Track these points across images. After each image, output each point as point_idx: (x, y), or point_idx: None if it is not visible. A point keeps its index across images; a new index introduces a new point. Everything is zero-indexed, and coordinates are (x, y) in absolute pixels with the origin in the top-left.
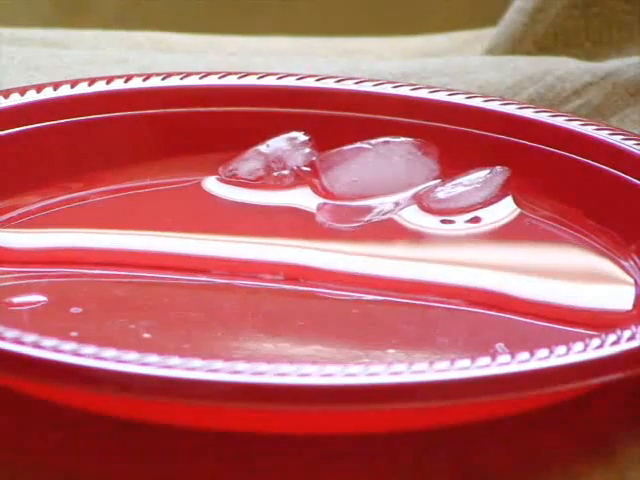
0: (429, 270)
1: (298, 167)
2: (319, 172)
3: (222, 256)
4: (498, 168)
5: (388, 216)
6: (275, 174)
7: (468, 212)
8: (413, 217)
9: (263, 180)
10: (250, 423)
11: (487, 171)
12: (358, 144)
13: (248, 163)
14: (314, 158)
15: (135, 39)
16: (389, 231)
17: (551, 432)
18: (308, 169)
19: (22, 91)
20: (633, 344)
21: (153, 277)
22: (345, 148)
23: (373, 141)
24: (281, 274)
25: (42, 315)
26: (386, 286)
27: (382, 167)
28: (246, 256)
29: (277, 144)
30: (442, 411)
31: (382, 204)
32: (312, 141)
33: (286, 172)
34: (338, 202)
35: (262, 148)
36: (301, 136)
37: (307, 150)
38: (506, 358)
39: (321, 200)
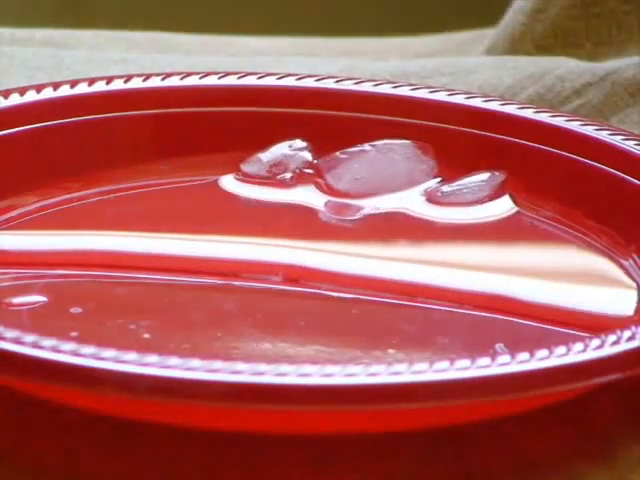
0: (428, 271)
1: (300, 170)
2: (322, 172)
3: (222, 257)
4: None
5: (390, 209)
6: (278, 177)
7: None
8: (414, 216)
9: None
10: (250, 423)
11: (488, 174)
12: (359, 146)
13: (250, 168)
14: (315, 161)
15: (135, 39)
16: (389, 231)
17: (551, 432)
18: (310, 171)
19: (22, 91)
20: (633, 344)
21: (153, 277)
22: (347, 150)
23: (374, 143)
24: (281, 274)
25: (42, 315)
26: (386, 287)
27: (384, 166)
28: (246, 257)
29: (277, 150)
30: (442, 411)
31: (385, 200)
32: (312, 145)
33: (288, 175)
34: (342, 199)
35: (263, 155)
36: (300, 142)
37: (307, 153)
38: (506, 358)
39: (325, 197)
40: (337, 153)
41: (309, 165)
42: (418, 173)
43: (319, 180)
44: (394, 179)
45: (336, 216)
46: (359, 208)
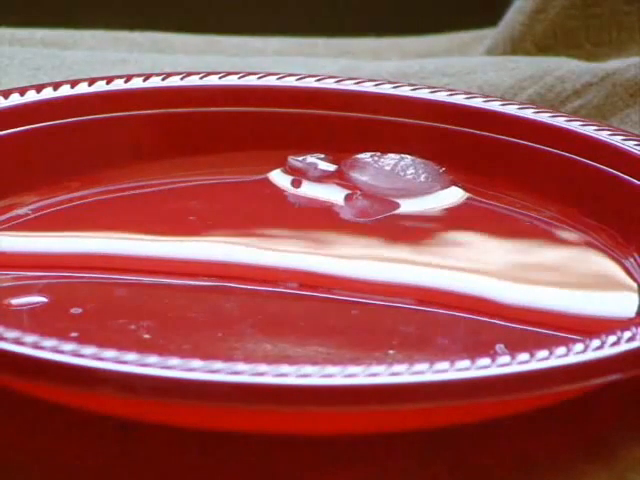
0: (428, 272)
1: (321, 178)
2: (345, 174)
3: (222, 259)
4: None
5: (397, 212)
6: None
7: None
8: (417, 217)
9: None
10: (250, 423)
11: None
12: (378, 154)
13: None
14: (331, 169)
15: (135, 39)
16: (391, 233)
17: (551, 433)
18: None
19: (22, 91)
20: (633, 345)
21: (153, 278)
22: (364, 158)
23: (393, 155)
24: (281, 277)
25: (42, 316)
26: (386, 288)
27: (401, 170)
28: (246, 260)
29: (296, 164)
30: (442, 411)
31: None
32: (330, 156)
33: (309, 182)
34: (362, 198)
35: (283, 169)
36: (318, 155)
37: (326, 164)
38: (506, 359)
39: (344, 193)
40: (357, 156)
41: (329, 175)
42: (434, 179)
43: (340, 182)
44: (411, 185)
45: (352, 210)
46: (375, 208)
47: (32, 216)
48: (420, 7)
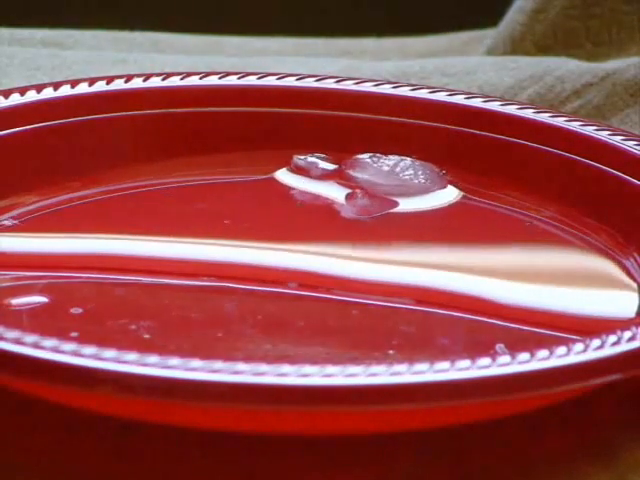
0: (428, 273)
1: (322, 176)
2: (345, 176)
3: (222, 259)
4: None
5: (398, 211)
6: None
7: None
8: (418, 218)
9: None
10: (250, 423)
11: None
12: (378, 155)
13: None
14: (331, 167)
15: (135, 39)
16: (390, 233)
17: (551, 433)
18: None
19: (22, 91)
20: (633, 345)
21: (153, 278)
22: (363, 158)
23: (391, 156)
24: (281, 277)
25: (42, 315)
26: (386, 288)
27: (401, 171)
28: (246, 260)
29: (298, 163)
30: (443, 411)
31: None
32: (330, 156)
33: (311, 182)
34: (361, 197)
35: (287, 169)
36: (319, 154)
37: (327, 163)
38: (506, 359)
39: (345, 192)
40: (357, 157)
41: (330, 173)
42: (433, 180)
43: (340, 181)
44: (409, 184)
45: (351, 208)
46: (374, 206)
47: (32, 216)
48: (420, 7)
